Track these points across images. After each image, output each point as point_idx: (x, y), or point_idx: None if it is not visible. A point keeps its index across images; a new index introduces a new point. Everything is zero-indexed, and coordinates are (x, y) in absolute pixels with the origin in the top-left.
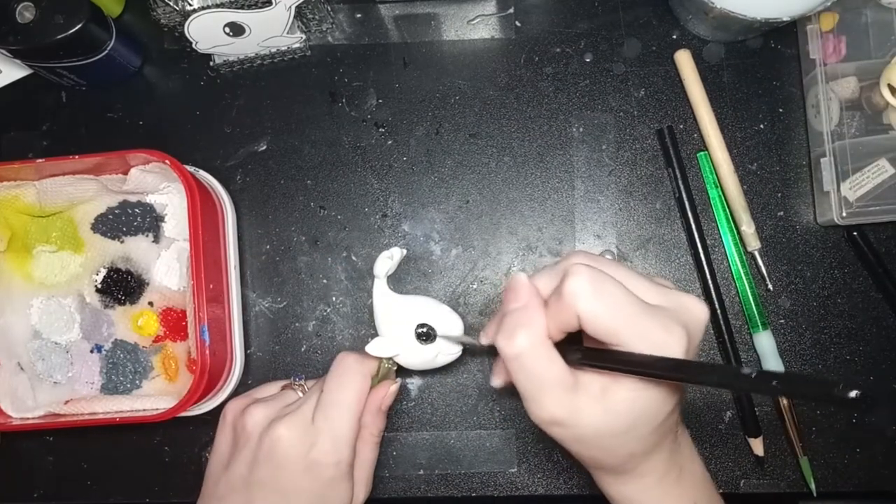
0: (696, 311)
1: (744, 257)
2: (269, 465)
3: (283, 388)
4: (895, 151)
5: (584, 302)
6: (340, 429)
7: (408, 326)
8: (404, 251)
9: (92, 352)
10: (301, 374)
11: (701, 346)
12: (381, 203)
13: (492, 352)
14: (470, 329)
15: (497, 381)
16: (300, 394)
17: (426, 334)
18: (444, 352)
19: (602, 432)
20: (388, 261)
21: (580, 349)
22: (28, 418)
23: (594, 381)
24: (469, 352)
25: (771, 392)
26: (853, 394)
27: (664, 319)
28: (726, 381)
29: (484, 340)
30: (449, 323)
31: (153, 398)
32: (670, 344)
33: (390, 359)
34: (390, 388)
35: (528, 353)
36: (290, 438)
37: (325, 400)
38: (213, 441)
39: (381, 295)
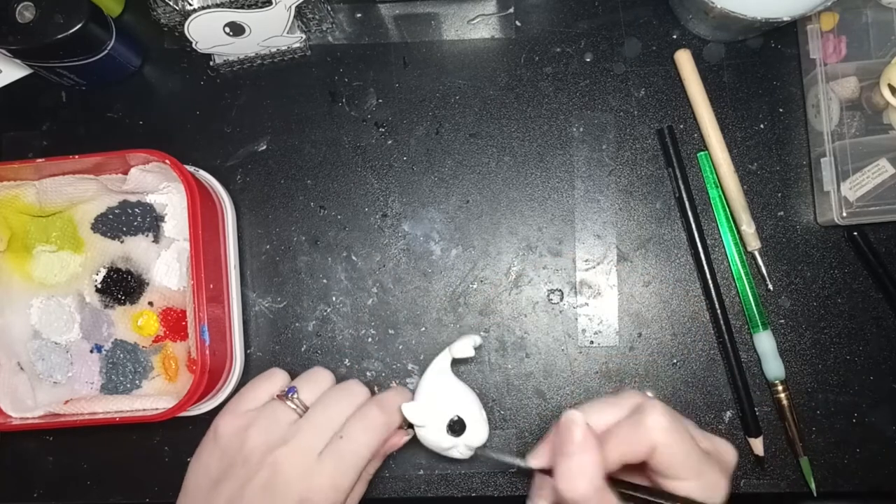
0: (731, 455)
1: (744, 257)
2: (264, 492)
3: (277, 397)
4: (895, 151)
5: (664, 436)
6: (346, 476)
7: (445, 411)
8: (480, 340)
9: (92, 352)
10: (294, 388)
11: (701, 349)
12: (381, 203)
13: (530, 474)
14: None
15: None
16: (292, 406)
17: (457, 428)
18: (459, 448)
19: None
20: (470, 349)
21: (623, 482)
22: (28, 418)
23: None
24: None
25: None
26: None
27: (714, 463)
28: None
29: (534, 464)
30: (476, 429)
31: (153, 398)
32: (721, 486)
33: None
34: (401, 439)
35: (586, 498)
36: (290, 470)
37: (343, 448)
38: (197, 452)
39: (442, 368)
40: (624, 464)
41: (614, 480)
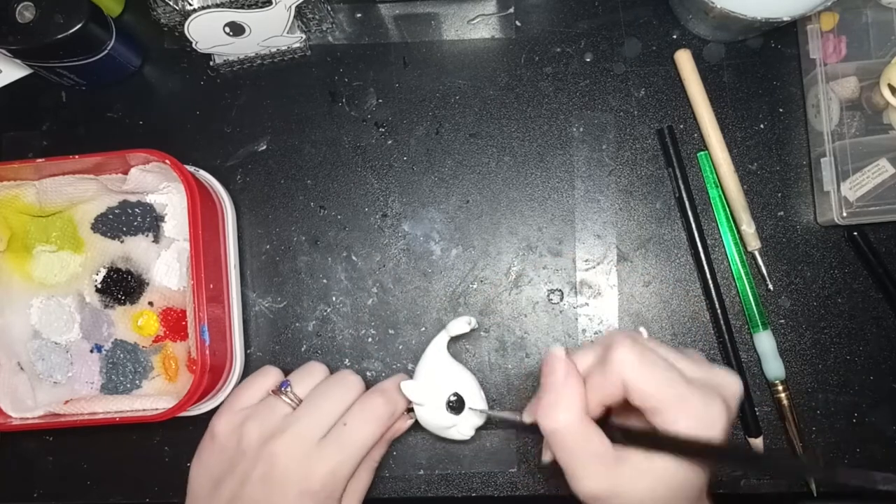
0: (731, 384)
1: (744, 257)
2: (264, 485)
3: (272, 392)
4: (895, 151)
5: (630, 370)
6: (345, 464)
7: (443, 389)
8: (475, 322)
9: (92, 352)
10: (287, 381)
11: (701, 349)
12: (381, 203)
13: (534, 430)
14: (494, 404)
15: (547, 457)
16: (286, 400)
17: (456, 405)
18: (459, 427)
19: (644, 502)
20: (465, 325)
21: (624, 428)
22: (28, 418)
23: (636, 453)
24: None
25: (827, 478)
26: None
27: (704, 392)
28: (781, 469)
29: (527, 418)
30: (475, 407)
31: (153, 398)
32: (712, 415)
33: (410, 402)
34: (403, 424)
35: (567, 429)
36: (288, 460)
37: (345, 436)
38: (197, 453)
39: (439, 349)
40: (605, 406)
41: (613, 426)
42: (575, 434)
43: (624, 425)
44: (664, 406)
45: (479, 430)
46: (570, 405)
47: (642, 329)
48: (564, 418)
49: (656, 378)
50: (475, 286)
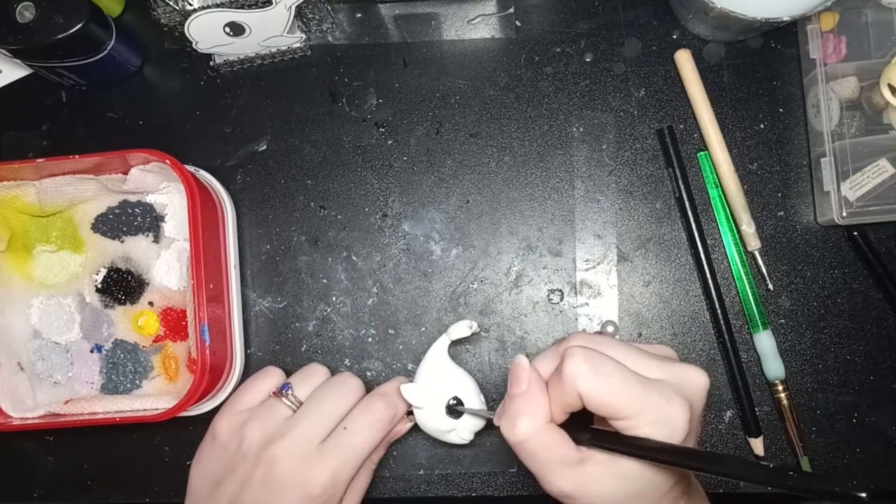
0: (696, 380)
1: (744, 257)
2: (264, 487)
3: (273, 394)
4: (895, 151)
5: (583, 382)
6: (346, 468)
7: (443, 393)
8: (476, 326)
9: (92, 352)
10: (288, 384)
11: (701, 349)
12: (381, 203)
13: None
14: (494, 405)
15: None
16: (287, 402)
17: (455, 409)
18: (459, 431)
19: (613, 499)
20: (466, 329)
21: (591, 430)
22: (28, 418)
23: (600, 453)
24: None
25: (785, 487)
26: (863, 493)
27: (665, 391)
28: (740, 473)
29: (496, 421)
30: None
31: (153, 398)
32: (673, 415)
33: (410, 405)
34: (403, 427)
35: (530, 439)
36: (288, 463)
37: (346, 440)
38: (197, 454)
39: (440, 353)
40: (568, 412)
41: (582, 430)
42: (537, 444)
43: (590, 428)
44: (622, 413)
45: (478, 431)
46: (531, 416)
47: (610, 328)
48: (525, 430)
49: (611, 387)
50: (475, 286)
